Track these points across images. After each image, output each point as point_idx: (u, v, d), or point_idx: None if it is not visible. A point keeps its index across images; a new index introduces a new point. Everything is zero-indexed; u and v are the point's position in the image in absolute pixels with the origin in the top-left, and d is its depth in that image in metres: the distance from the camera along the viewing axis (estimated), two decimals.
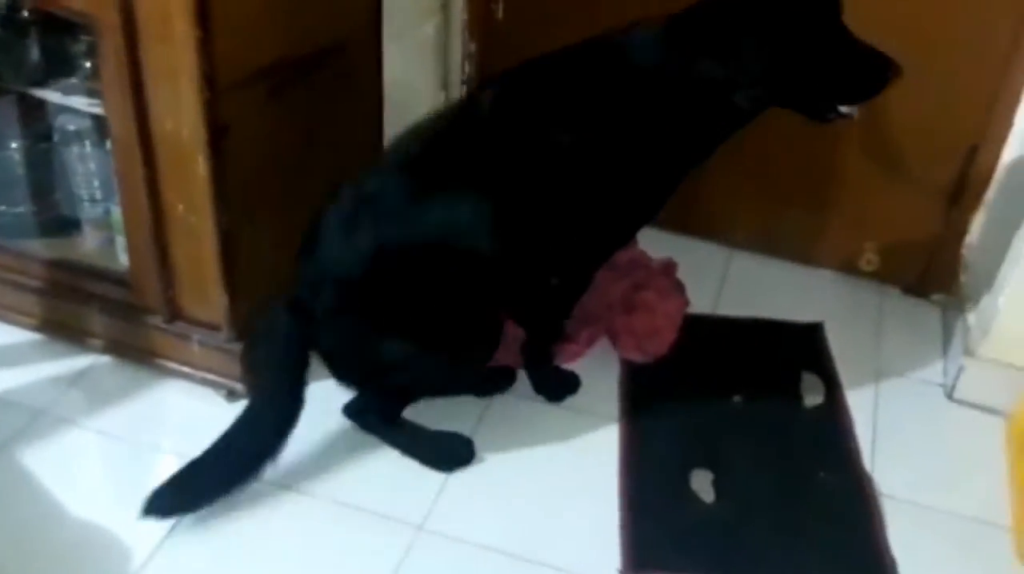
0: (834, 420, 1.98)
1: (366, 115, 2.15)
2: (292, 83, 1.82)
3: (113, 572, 1.61)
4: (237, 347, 1.88)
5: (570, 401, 1.99)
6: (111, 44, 1.64)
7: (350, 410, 1.85)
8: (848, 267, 2.36)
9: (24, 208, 2.07)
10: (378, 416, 1.84)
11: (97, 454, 1.82)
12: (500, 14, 2.31)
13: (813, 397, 2.04)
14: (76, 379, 1.95)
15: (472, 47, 2.32)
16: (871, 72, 1.63)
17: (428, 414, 1.87)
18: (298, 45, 1.82)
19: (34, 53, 1.92)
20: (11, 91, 1.99)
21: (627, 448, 1.89)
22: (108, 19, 1.61)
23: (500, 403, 1.97)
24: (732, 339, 2.18)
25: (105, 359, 1.99)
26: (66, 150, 2.00)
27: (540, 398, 1.99)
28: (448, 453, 1.83)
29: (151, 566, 1.63)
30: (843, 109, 1.67)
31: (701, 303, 2.25)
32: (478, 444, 1.86)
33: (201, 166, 1.69)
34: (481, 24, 2.30)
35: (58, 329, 2.01)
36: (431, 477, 1.81)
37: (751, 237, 2.42)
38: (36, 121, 2.05)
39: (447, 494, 1.78)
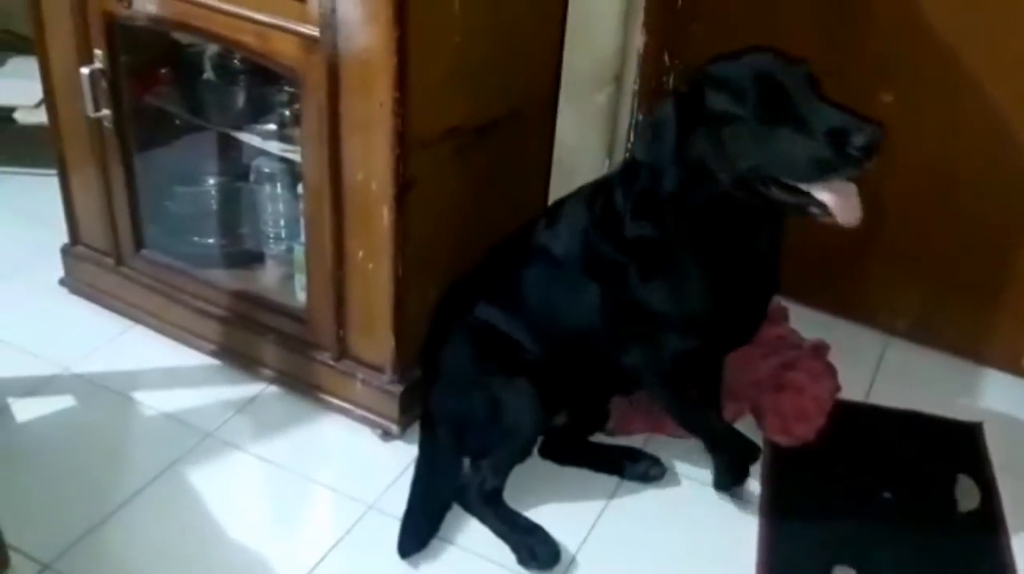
0: (990, 529, 1.90)
1: (535, 177, 2.23)
2: (474, 144, 1.91)
3: None
4: (398, 389, 1.96)
5: (709, 481, 1.98)
6: (314, 98, 1.76)
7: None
8: (1014, 367, 2.28)
9: (215, 240, 2.23)
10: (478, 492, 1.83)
11: (257, 479, 1.92)
12: (671, 85, 2.36)
13: (968, 502, 1.97)
14: (244, 406, 2.07)
15: (640, 117, 2.37)
16: (831, 142, 1.45)
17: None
18: (482, 109, 1.91)
19: (240, 98, 2.08)
20: (214, 131, 2.15)
21: (767, 539, 1.86)
22: (314, 76, 1.74)
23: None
24: (884, 430, 2.13)
25: (273, 389, 2.10)
26: (259, 189, 2.14)
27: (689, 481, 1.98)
28: (530, 551, 1.78)
29: None
30: (820, 196, 1.50)
31: (853, 390, 2.21)
32: (606, 522, 1.87)
33: (385, 217, 1.79)
34: (652, 95, 2.35)
35: (233, 357, 2.15)
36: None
37: (910, 324, 2.37)
38: (233, 161, 2.21)
39: None
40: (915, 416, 2.16)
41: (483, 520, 1.83)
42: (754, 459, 1.95)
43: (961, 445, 2.10)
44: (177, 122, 2.18)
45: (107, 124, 2.02)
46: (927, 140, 2.16)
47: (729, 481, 1.93)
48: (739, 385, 2.13)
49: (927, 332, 2.35)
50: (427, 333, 1.92)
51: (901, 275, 2.33)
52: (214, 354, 2.16)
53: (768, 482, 1.98)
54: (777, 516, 1.91)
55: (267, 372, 2.11)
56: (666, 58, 2.32)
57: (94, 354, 2.17)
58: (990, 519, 1.93)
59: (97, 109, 1.99)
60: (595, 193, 1.79)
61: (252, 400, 2.08)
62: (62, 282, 2.33)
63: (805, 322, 2.35)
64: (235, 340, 2.13)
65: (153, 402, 2.06)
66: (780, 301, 2.36)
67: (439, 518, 1.82)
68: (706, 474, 1.99)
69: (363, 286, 1.90)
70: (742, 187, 1.57)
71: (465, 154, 1.90)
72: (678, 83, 1.70)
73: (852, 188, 1.53)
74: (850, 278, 2.38)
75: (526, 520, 1.83)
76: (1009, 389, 2.27)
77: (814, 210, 1.54)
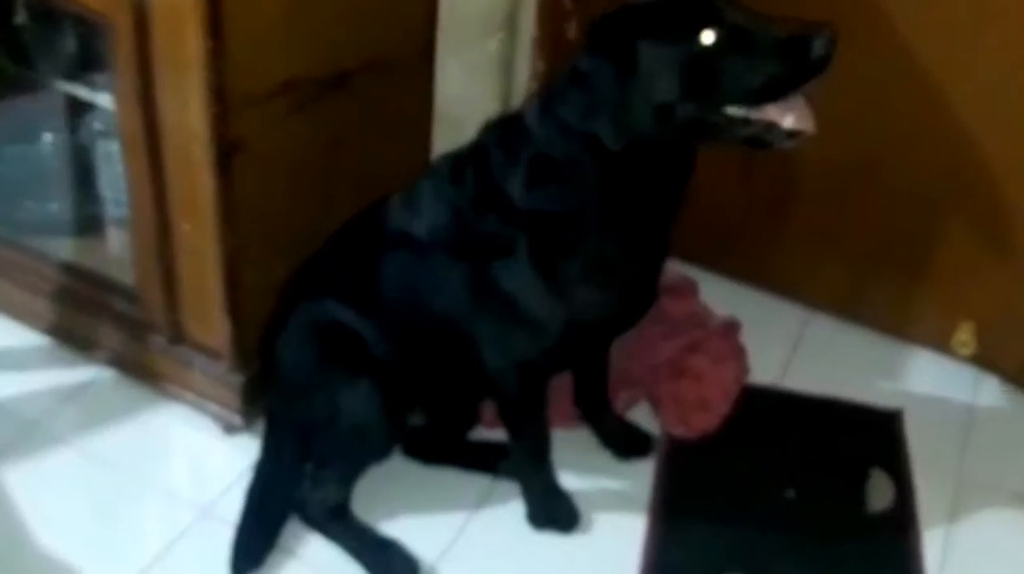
0: (900, 533, 1.71)
1: (412, 135, 1.98)
2: (318, 100, 1.66)
3: None
4: (238, 379, 1.74)
5: (597, 479, 1.78)
6: (124, 48, 1.51)
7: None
8: (941, 346, 2.07)
9: (48, 205, 1.98)
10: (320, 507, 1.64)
11: (80, 479, 1.70)
12: (573, 33, 2.11)
13: (880, 499, 1.77)
14: (75, 393, 1.84)
15: (541, 66, 2.13)
16: (786, 53, 1.29)
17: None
18: (328, 60, 1.66)
19: (68, 46, 1.82)
20: (44, 84, 1.90)
21: (654, 542, 1.67)
22: (122, 22, 1.48)
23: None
24: (795, 420, 1.93)
25: (109, 374, 1.87)
26: (92, 148, 1.89)
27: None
28: (385, 569, 1.60)
29: None
30: (774, 117, 1.33)
31: (765, 371, 2.00)
32: (474, 528, 1.67)
33: (208, 185, 1.54)
34: (552, 43, 2.11)
35: (67, 337, 1.91)
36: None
37: (833, 298, 2.15)
38: (67, 117, 1.95)
39: None
40: (829, 403, 1.96)
41: (330, 537, 1.62)
42: (571, 522, 1.69)
43: (878, 435, 1.90)
44: (6, 74, 1.92)
45: None
46: (850, 101, 1.92)
47: (540, 519, 1.69)
48: (635, 369, 1.92)
49: (850, 306, 2.14)
50: (267, 322, 1.68)
51: (823, 243, 2.11)
52: (47, 332, 1.93)
53: (660, 478, 1.78)
54: (667, 516, 1.72)
55: (102, 355, 1.88)
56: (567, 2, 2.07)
57: None
58: (901, 520, 1.74)
59: None
60: (460, 163, 1.53)
61: (85, 386, 1.86)
62: None
63: (718, 294, 2.13)
64: (68, 318, 1.89)
65: None
66: (684, 272, 2.14)
67: (276, 530, 1.61)
68: (592, 469, 1.79)
69: (193, 263, 1.66)
70: (691, 131, 1.36)
71: (308, 112, 1.65)
72: (589, 29, 1.44)
73: (801, 99, 1.35)
74: (768, 245, 2.16)
75: (377, 535, 1.63)
76: (937, 371, 2.06)
77: (768, 136, 1.36)
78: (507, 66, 2.14)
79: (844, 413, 1.94)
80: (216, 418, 1.78)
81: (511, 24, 2.09)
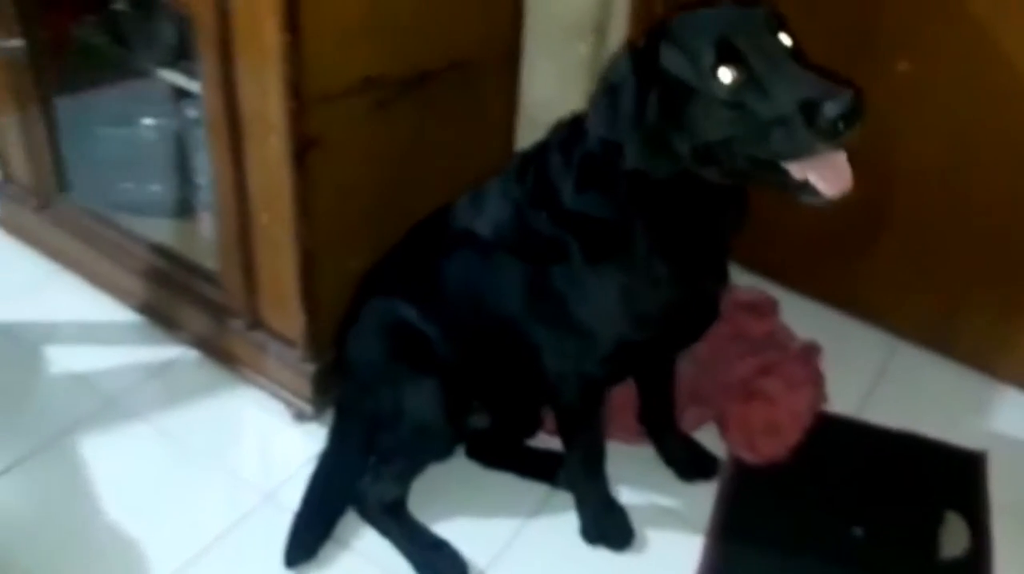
0: None
1: (494, 136, 1.97)
2: (400, 100, 1.67)
3: None
4: (311, 368, 1.77)
5: (657, 497, 1.75)
6: (208, 40, 1.54)
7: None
8: None
9: (145, 188, 2.05)
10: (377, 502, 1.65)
11: (152, 455, 1.76)
12: None
13: (953, 546, 1.69)
14: (158, 371, 1.91)
15: None
16: (802, 115, 1.18)
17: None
18: (410, 59, 1.67)
19: (166, 34, 1.86)
20: (143, 70, 1.96)
21: (709, 567, 1.63)
22: (206, 15, 1.52)
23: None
24: (870, 454, 1.85)
25: (192, 354, 1.93)
26: (186, 135, 1.95)
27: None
28: (433, 569, 1.61)
29: None
30: (799, 174, 1.24)
31: (845, 400, 1.93)
32: (526, 536, 1.66)
33: (286, 179, 1.57)
34: None
35: (156, 315, 1.98)
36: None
37: (922, 328, 2.06)
38: (164, 103, 2.01)
39: None
40: (909, 438, 1.87)
41: (383, 532, 1.64)
42: (623, 539, 1.66)
43: (958, 477, 1.81)
44: (109, 59, 1.98)
45: (20, 56, 1.85)
46: (947, 116, 1.83)
47: (592, 535, 1.67)
48: (708, 387, 1.88)
49: (941, 339, 2.04)
50: (344, 315, 1.70)
51: (915, 271, 2.01)
52: (138, 310, 2.00)
53: (723, 501, 1.74)
54: (725, 541, 1.68)
55: (187, 335, 1.94)
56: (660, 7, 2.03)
57: (15, 300, 2.03)
58: (975, 570, 1.65)
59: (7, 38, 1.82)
60: (526, 161, 1.51)
61: (168, 365, 1.92)
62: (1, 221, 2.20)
63: (803, 316, 2.07)
64: (157, 298, 1.96)
65: (63, 359, 1.91)
66: (767, 291, 2.09)
67: (333, 522, 1.64)
68: (652, 486, 1.76)
69: (271, 253, 1.70)
70: (706, 163, 1.30)
71: (389, 110, 1.66)
72: (635, 38, 1.42)
73: (839, 155, 1.25)
74: (857, 268, 2.08)
75: (430, 534, 1.64)
76: None
77: (795, 189, 1.27)
78: (596, 70, 2.12)
79: (923, 450, 1.85)
80: (288, 405, 1.82)
81: (601, 28, 2.06)
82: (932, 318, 2.04)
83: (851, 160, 1.26)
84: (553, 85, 2.05)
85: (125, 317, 2.00)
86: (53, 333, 1.97)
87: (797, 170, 1.25)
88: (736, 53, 1.23)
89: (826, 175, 1.25)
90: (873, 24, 1.85)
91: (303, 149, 1.55)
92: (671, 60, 1.28)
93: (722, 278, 1.54)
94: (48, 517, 1.64)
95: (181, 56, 1.85)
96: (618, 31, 2.04)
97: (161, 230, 2.01)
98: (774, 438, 1.79)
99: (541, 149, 1.51)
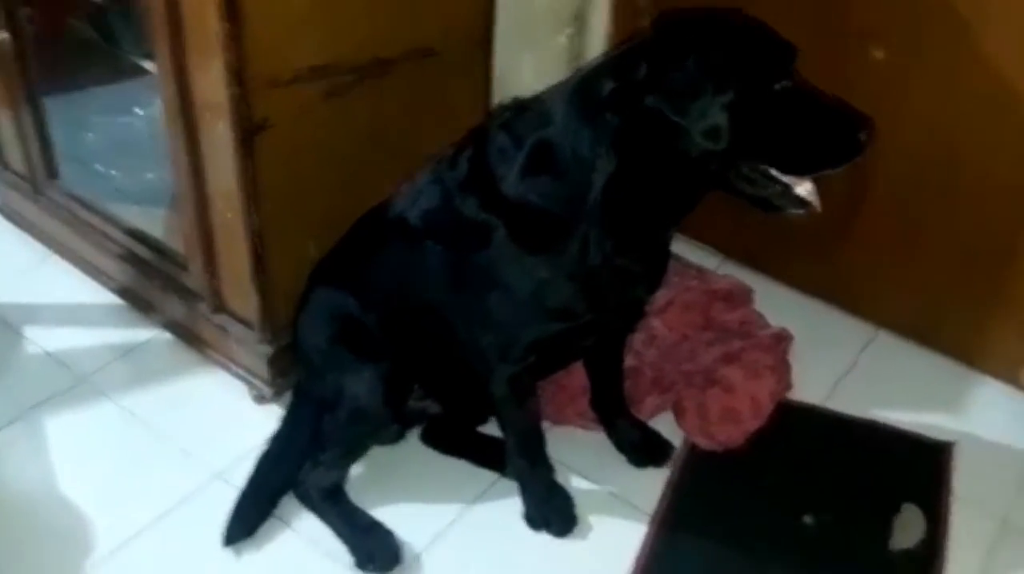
0: None
1: (460, 125, 1.97)
2: (355, 87, 1.69)
3: (66, 560, 1.59)
4: (267, 350, 1.80)
5: (605, 483, 1.74)
6: (160, 29, 1.58)
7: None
8: (1011, 379, 1.91)
9: (129, 175, 2.11)
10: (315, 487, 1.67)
11: (113, 433, 1.82)
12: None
13: (906, 537, 1.65)
14: (130, 352, 1.96)
15: None
16: (834, 133, 1.29)
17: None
18: (365, 46, 1.69)
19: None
20: (127, 60, 2.01)
21: (649, 554, 1.62)
22: (156, 3, 1.56)
23: None
24: (832, 442, 1.82)
25: (165, 337, 1.99)
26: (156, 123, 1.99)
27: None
28: (368, 554, 1.61)
29: (112, 562, 1.60)
30: (799, 191, 1.32)
31: (814, 388, 1.90)
32: (465, 522, 1.67)
33: (232, 162, 1.61)
34: (624, 36, 2.06)
35: (134, 298, 2.04)
36: None
37: (901, 317, 2.02)
38: (149, 93, 2.06)
39: None
40: (873, 428, 1.84)
41: (320, 516, 1.67)
42: (565, 525, 1.66)
43: (920, 467, 1.77)
44: (97, 50, 2.05)
45: (6, 47, 1.92)
46: (922, 105, 1.79)
47: (535, 520, 1.67)
48: (672, 374, 1.87)
49: (921, 328, 2.00)
50: (298, 301, 1.72)
51: (896, 260, 1.98)
52: (118, 294, 2.06)
53: (671, 488, 1.73)
54: (669, 528, 1.67)
55: (161, 318, 2.00)
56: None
57: (8, 282, 2.11)
58: (925, 562, 1.62)
59: None
60: (460, 147, 1.51)
61: (141, 347, 1.98)
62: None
63: (780, 304, 2.04)
64: (136, 282, 2.02)
65: (41, 339, 1.98)
66: (742, 279, 2.07)
67: (274, 502, 1.67)
68: (603, 472, 1.76)
69: (227, 237, 1.74)
70: (704, 172, 1.31)
71: (344, 98, 1.68)
72: (622, 43, 1.42)
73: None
74: (836, 256, 2.05)
75: (366, 517, 1.66)
76: (1003, 405, 1.91)
77: (790, 203, 1.34)
78: (576, 62, 2.11)
79: (887, 440, 1.82)
80: (249, 386, 1.86)
81: (580, 20, 2.06)
82: (912, 307, 2.00)
83: None
84: (531, 77, 2.05)
85: (106, 299, 2.07)
86: (36, 314, 2.04)
87: (799, 184, 1.31)
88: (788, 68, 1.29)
89: (812, 188, 1.33)
90: (846, 10, 1.82)
91: (249, 134, 1.58)
92: (683, 78, 1.26)
93: (653, 287, 1.53)
94: (2, 487, 1.69)
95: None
96: (597, 22, 2.04)
97: (146, 217, 2.04)
98: (731, 425, 1.78)
99: (477, 132, 1.50)
